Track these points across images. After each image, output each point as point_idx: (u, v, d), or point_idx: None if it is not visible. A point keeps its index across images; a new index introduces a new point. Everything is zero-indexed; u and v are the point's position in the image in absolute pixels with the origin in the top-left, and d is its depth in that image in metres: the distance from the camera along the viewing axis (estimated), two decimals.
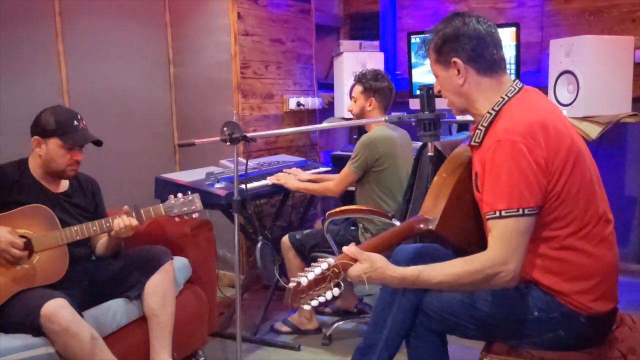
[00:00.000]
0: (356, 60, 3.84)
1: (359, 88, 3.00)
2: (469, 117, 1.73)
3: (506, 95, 1.62)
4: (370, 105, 2.97)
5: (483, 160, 1.56)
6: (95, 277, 2.31)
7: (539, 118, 1.53)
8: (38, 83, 3.02)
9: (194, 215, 2.26)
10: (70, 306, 1.95)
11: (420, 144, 2.77)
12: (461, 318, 1.68)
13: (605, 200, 1.64)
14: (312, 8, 4.11)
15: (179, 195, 2.25)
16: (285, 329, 3.04)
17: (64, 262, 2.15)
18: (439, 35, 1.65)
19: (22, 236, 2.10)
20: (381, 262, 1.52)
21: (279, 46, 3.85)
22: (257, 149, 3.70)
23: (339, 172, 3.00)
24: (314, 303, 1.47)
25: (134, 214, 2.20)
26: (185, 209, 2.24)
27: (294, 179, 3.02)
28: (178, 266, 2.45)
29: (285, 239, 2.97)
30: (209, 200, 2.65)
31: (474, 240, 1.72)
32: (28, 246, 2.10)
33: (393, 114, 2.37)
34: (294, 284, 1.43)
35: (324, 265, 1.47)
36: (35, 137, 2.22)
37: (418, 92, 2.02)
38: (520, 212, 1.47)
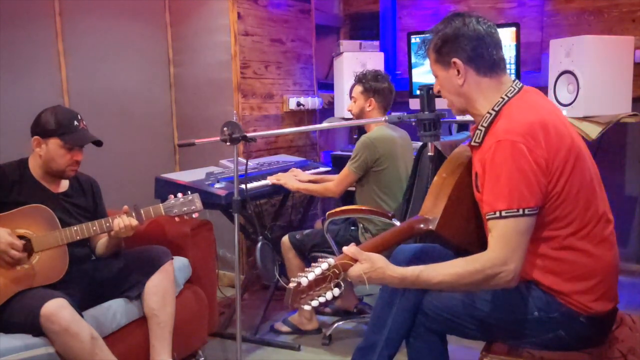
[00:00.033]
0: (356, 60, 3.84)
1: (358, 88, 3.00)
2: (469, 117, 1.73)
3: (506, 95, 1.62)
4: (369, 105, 2.97)
5: (483, 161, 1.56)
6: (95, 277, 2.31)
7: (539, 118, 1.53)
8: (38, 83, 3.02)
9: (194, 215, 2.26)
10: (70, 306, 1.95)
11: (420, 144, 2.77)
12: (461, 318, 1.68)
13: (605, 200, 1.64)
14: (312, 8, 4.11)
15: (179, 195, 2.25)
16: (285, 329, 3.04)
17: (64, 262, 2.15)
18: (439, 36, 1.65)
19: (22, 236, 2.10)
20: (381, 262, 1.52)
21: (279, 46, 3.85)
22: (257, 149, 3.70)
23: (339, 172, 3.00)
24: (314, 303, 1.47)
25: (133, 214, 2.20)
26: (185, 208, 2.24)
27: (294, 179, 3.02)
28: (178, 266, 2.45)
29: (285, 239, 2.97)
30: (209, 200, 2.65)
31: (474, 240, 1.72)
32: (28, 246, 2.10)
33: (393, 114, 2.38)
34: (294, 284, 1.43)
35: (324, 266, 1.47)
36: (36, 137, 2.22)
37: (418, 92, 2.03)
38: (521, 212, 1.47)
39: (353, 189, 3.00)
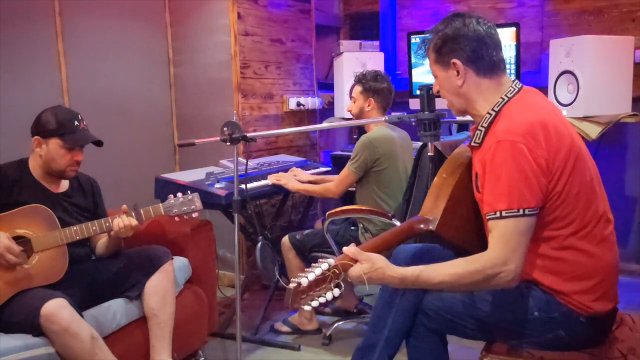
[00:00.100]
0: (356, 60, 3.84)
1: (358, 88, 3.00)
2: (469, 117, 1.73)
3: (506, 95, 1.62)
4: (369, 105, 2.97)
5: (483, 161, 1.56)
6: (95, 277, 2.31)
7: (539, 118, 1.53)
8: (38, 83, 3.02)
9: (193, 215, 2.26)
10: (70, 306, 1.95)
11: (420, 144, 2.77)
12: (461, 318, 1.68)
13: (605, 200, 1.64)
14: (312, 8, 4.11)
15: (179, 194, 2.25)
16: (285, 329, 3.04)
17: (64, 262, 2.15)
18: (439, 36, 1.65)
19: (21, 236, 2.10)
20: (381, 263, 1.52)
21: (279, 46, 3.85)
22: (257, 149, 3.70)
23: (339, 172, 3.00)
24: (315, 303, 1.47)
25: (133, 214, 2.20)
26: (185, 208, 2.24)
27: (294, 179, 3.02)
28: (178, 266, 2.45)
29: (286, 239, 2.97)
30: (209, 200, 2.65)
31: (474, 240, 1.72)
32: (28, 246, 2.10)
33: (393, 114, 2.38)
34: (295, 284, 1.43)
35: (324, 266, 1.47)
36: (36, 137, 2.22)
37: (418, 92, 2.03)
38: (521, 212, 1.47)
39: (353, 189, 3.00)
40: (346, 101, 3.52)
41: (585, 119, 3.01)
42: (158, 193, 2.84)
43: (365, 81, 2.97)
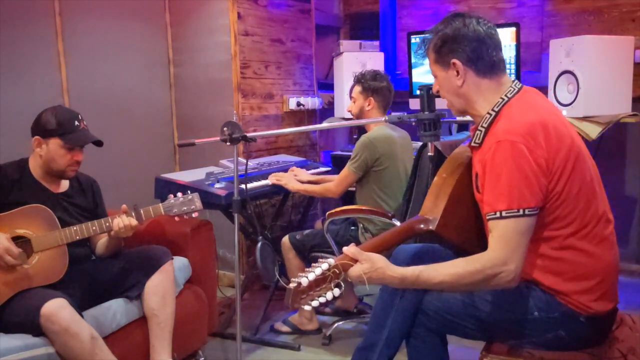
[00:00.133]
0: (356, 60, 3.84)
1: (357, 88, 3.00)
2: (469, 117, 1.72)
3: (505, 95, 1.62)
4: (369, 105, 2.97)
5: (483, 161, 1.56)
6: (95, 277, 2.31)
7: (539, 118, 1.53)
8: (38, 83, 3.02)
9: (193, 215, 2.26)
10: (70, 306, 1.95)
11: (420, 144, 2.77)
12: (461, 318, 1.68)
13: (605, 200, 1.64)
14: (312, 8, 4.11)
15: (179, 194, 2.25)
16: (285, 329, 3.04)
17: (64, 262, 2.15)
18: (439, 36, 1.65)
19: (21, 236, 2.10)
20: (381, 262, 1.52)
21: (279, 46, 3.85)
22: (257, 149, 3.70)
23: (339, 172, 3.00)
24: (315, 303, 1.47)
25: (133, 214, 2.20)
26: (185, 208, 2.24)
27: (294, 179, 3.02)
28: (178, 266, 2.45)
29: (286, 239, 2.97)
30: (209, 200, 2.65)
31: (474, 240, 1.72)
32: (27, 246, 2.10)
33: (393, 114, 2.38)
34: (295, 284, 1.43)
35: (325, 266, 1.47)
36: (36, 137, 2.22)
37: (418, 92, 2.03)
38: (521, 212, 1.47)
39: (353, 189, 3.00)
40: (346, 101, 3.52)
41: (585, 119, 3.01)
42: (158, 193, 2.84)
43: (365, 81, 2.97)
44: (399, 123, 2.46)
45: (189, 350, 2.57)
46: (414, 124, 2.03)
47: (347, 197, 3.10)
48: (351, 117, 3.15)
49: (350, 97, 3.07)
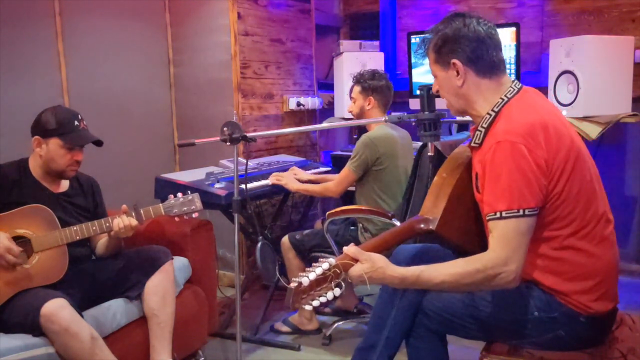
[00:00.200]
0: (356, 60, 3.84)
1: (357, 88, 3.00)
2: (468, 117, 1.72)
3: (505, 96, 1.62)
4: (369, 104, 2.97)
5: (483, 162, 1.56)
6: (95, 277, 2.31)
7: (539, 118, 1.53)
8: (38, 83, 3.02)
9: (193, 215, 2.26)
10: (70, 306, 1.95)
11: (420, 144, 2.77)
12: (461, 318, 1.68)
13: (605, 200, 1.64)
14: (312, 8, 4.11)
15: (179, 195, 2.25)
16: (285, 329, 3.04)
17: (64, 262, 2.15)
18: (439, 36, 1.65)
19: (21, 236, 2.10)
20: (382, 262, 1.52)
21: (279, 46, 3.85)
22: (257, 149, 3.70)
23: (339, 172, 3.00)
24: (315, 303, 1.47)
25: (133, 214, 2.20)
26: (185, 208, 2.24)
27: (294, 179, 3.02)
28: (178, 266, 2.45)
29: (285, 239, 2.97)
30: (209, 200, 2.65)
31: (475, 240, 1.72)
32: (28, 246, 2.10)
33: (393, 114, 2.38)
34: (295, 284, 1.43)
35: (325, 266, 1.47)
36: (36, 137, 2.22)
37: (418, 92, 2.03)
38: (521, 212, 1.47)
39: (353, 188, 3.00)
40: (346, 101, 3.52)
41: (585, 119, 3.01)
42: (158, 193, 2.84)
43: (364, 80, 2.98)
44: (399, 123, 2.46)
45: (189, 350, 2.57)
46: (414, 124, 2.03)
47: (347, 197, 3.10)
48: (351, 117, 3.15)
49: (350, 98, 3.07)
